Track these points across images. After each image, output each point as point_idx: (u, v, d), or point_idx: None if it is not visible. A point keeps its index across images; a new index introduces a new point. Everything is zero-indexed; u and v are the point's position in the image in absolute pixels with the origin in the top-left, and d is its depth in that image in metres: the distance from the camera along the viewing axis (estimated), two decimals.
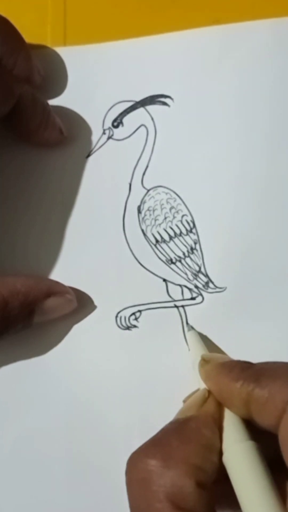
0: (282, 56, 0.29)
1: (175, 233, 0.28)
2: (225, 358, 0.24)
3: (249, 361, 0.25)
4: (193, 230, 0.28)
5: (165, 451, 0.20)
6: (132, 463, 0.20)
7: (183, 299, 0.28)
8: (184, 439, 0.20)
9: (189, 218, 0.28)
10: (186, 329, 0.27)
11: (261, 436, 0.20)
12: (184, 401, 0.25)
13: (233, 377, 0.21)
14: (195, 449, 0.20)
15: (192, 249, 0.28)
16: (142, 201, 0.28)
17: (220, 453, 0.20)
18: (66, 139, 0.28)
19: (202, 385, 0.23)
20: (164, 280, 0.28)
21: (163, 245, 0.28)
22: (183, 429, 0.21)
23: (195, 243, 0.28)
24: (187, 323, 0.27)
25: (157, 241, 0.28)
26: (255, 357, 0.27)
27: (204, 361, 0.24)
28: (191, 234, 0.28)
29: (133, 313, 0.28)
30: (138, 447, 0.21)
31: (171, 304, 0.28)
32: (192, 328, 0.27)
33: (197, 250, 0.28)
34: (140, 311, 0.28)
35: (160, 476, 0.19)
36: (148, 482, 0.19)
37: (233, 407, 0.21)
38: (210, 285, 0.28)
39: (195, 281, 0.28)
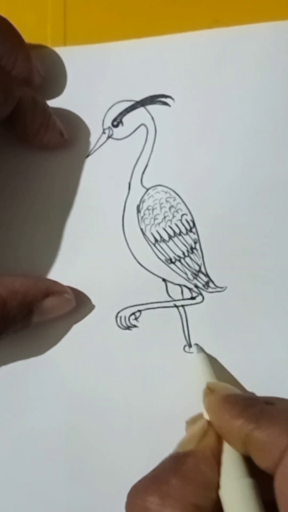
0: (283, 58, 0.29)
1: (174, 232, 0.28)
2: (230, 390, 0.23)
3: (255, 396, 0.25)
4: (193, 230, 0.28)
5: (163, 489, 0.20)
6: (131, 499, 0.20)
7: (183, 299, 0.27)
8: (182, 477, 0.20)
9: (188, 217, 0.28)
10: (195, 349, 0.27)
11: (261, 473, 0.20)
12: (187, 422, 0.25)
13: (234, 414, 0.21)
14: (194, 488, 0.20)
15: (192, 248, 0.28)
16: (142, 200, 0.28)
17: (218, 488, 0.20)
18: (66, 141, 0.28)
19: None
20: (164, 279, 0.28)
21: (163, 244, 0.28)
22: (182, 466, 0.21)
23: (195, 243, 0.28)
24: (196, 344, 0.27)
25: (156, 240, 0.28)
26: (255, 357, 0.27)
27: (209, 390, 0.23)
28: (191, 234, 0.28)
29: (133, 313, 0.27)
30: (138, 480, 0.21)
31: (171, 304, 0.27)
32: (202, 350, 0.27)
33: (197, 250, 0.28)
34: (140, 311, 0.27)
35: None
36: None
37: (232, 444, 0.21)
38: (211, 284, 0.27)
39: (195, 281, 0.28)
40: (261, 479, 0.20)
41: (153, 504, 0.19)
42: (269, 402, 0.22)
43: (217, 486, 0.20)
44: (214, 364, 0.26)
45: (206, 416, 0.23)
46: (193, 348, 0.27)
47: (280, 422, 0.19)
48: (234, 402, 0.21)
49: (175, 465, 0.21)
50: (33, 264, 0.28)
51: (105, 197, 0.29)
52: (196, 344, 0.27)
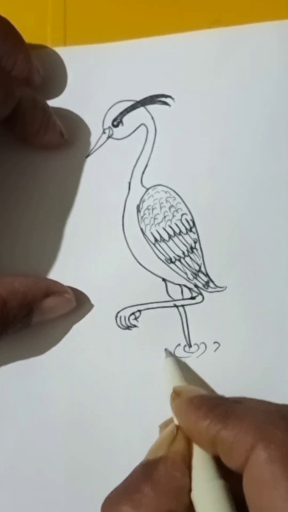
0: (283, 58, 0.29)
1: (174, 232, 0.28)
2: (196, 392, 0.23)
3: (221, 396, 0.24)
4: (193, 229, 0.28)
5: (136, 498, 0.20)
6: (105, 510, 0.20)
7: (183, 299, 0.27)
8: (154, 484, 0.20)
9: (188, 217, 0.28)
10: (164, 354, 0.27)
11: (232, 473, 0.20)
12: (160, 427, 0.25)
13: (200, 415, 0.21)
14: (166, 494, 0.20)
15: (192, 248, 0.28)
16: (141, 200, 0.28)
17: (191, 491, 0.20)
18: (66, 141, 0.28)
19: None
20: (164, 279, 0.28)
21: (163, 244, 0.28)
22: (153, 473, 0.20)
23: (195, 242, 0.28)
24: (165, 349, 0.27)
25: (156, 240, 0.28)
26: (255, 357, 0.27)
27: (176, 394, 0.23)
28: (190, 233, 0.28)
29: (133, 313, 0.27)
30: (111, 491, 0.21)
31: (171, 303, 0.27)
32: (171, 354, 0.27)
33: (197, 249, 0.28)
34: (139, 310, 0.27)
35: None
36: None
37: (202, 445, 0.21)
38: (211, 284, 0.27)
39: (195, 281, 0.28)
40: (232, 480, 0.20)
41: None
42: (237, 402, 0.21)
43: (189, 490, 0.20)
44: (184, 368, 0.26)
45: (176, 421, 0.23)
46: (163, 353, 0.27)
47: (246, 421, 0.19)
48: (200, 403, 0.21)
49: (146, 473, 0.21)
50: (33, 264, 0.28)
51: (105, 197, 0.29)
52: (166, 349, 0.27)
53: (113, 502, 0.20)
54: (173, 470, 0.20)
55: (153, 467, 0.21)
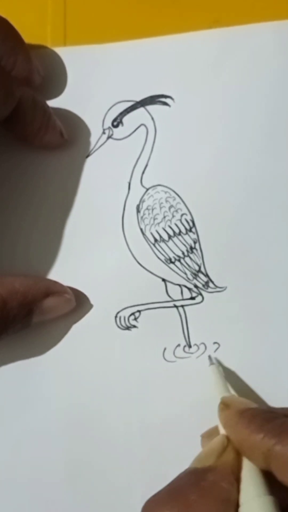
0: (283, 58, 0.29)
1: (174, 232, 0.28)
2: (246, 404, 0.23)
3: (272, 409, 0.24)
4: (193, 229, 0.28)
5: (182, 504, 0.19)
6: None
7: (183, 299, 0.27)
8: (202, 493, 0.19)
9: (188, 217, 0.28)
10: (208, 361, 0.26)
11: (280, 487, 0.20)
12: (202, 436, 0.25)
13: (253, 429, 0.20)
14: (214, 505, 0.19)
15: (191, 248, 0.28)
16: (141, 200, 0.28)
17: (238, 505, 0.20)
18: (66, 141, 0.28)
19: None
20: (164, 279, 0.28)
21: (162, 244, 0.28)
22: (201, 482, 0.20)
23: (194, 242, 0.28)
24: (209, 356, 0.27)
25: (156, 240, 0.28)
26: (255, 357, 0.27)
27: (224, 406, 0.23)
28: (190, 233, 0.28)
29: (133, 313, 0.27)
30: (154, 494, 0.20)
31: (171, 304, 0.27)
32: (216, 361, 0.27)
33: (196, 250, 0.28)
34: (139, 311, 0.27)
35: None
36: None
37: (253, 459, 0.21)
38: (210, 284, 0.27)
39: (194, 281, 0.28)
40: (280, 494, 0.19)
41: None
42: None
43: (237, 504, 0.20)
44: (229, 375, 0.26)
45: (222, 431, 0.23)
46: (208, 360, 0.27)
47: None
48: (252, 417, 0.21)
49: (194, 480, 0.20)
50: (33, 264, 0.28)
51: (105, 197, 0.29)
52: (209, 356, 0.27)
53: (157, 505, 0.20)
54: (222, 481, 0.20)
55: (202, 475, 0.20)
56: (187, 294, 0.28)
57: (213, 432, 0.24)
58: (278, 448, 0.19)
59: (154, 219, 0.28)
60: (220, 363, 0.27)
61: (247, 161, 0.28)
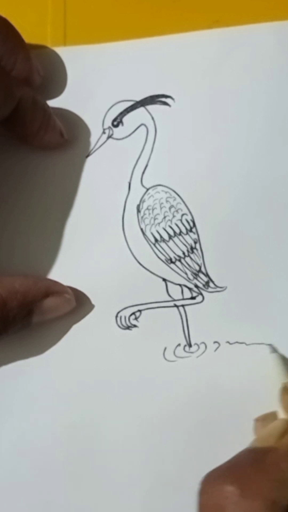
0: (283, 58, 0.29)
1: (174, 232, 0.28)
2: None
3: None
4: (193, 229, 0.28)
5: (242, 480, 0.19)
6: (207, 486, 0.20)
7: (183, 299, 0.27)
8: (262, 471, 0.20)
9: (189, 217, 0.28)
10: (268, 349, 0.27)
11: None
12: (256, 420, 0.25)
13: None
14: (272, 483, 0.19)
15: (192, 248, 0.28)
16: (142, 200, 0.28)
17: None
18: (66, 141, 0.28)
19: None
20: (164, 279, 0.28)
21: (163, 244, 0.28)
22: (261, 460, 0.20)
23: (195, 242, 0.28)
24: (269, 344, 0.27)
25: (156, 240, 0.28)
26: (255, 357, 0.27)
27: (286, 391, 0.23)
28: (191, 233, 0.28)
29: (133, 313, 0.27)
30: (213, 469, 0.21)
31: (171, 303, 0.27)
32: (275, 350, 0.27)
33: (197, 250, 0.28)
34: (140, 310, 0.27)
35: (236, 504, 0.19)
36: (223, 509, 0.19)
37: None
38: (211, 284, 0.27)
39: (195, 281, 0.28)
40: None
41: (232, 494, 0.19)
42: None
43: None
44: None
45: (282, 415, 0.23)
46: (267, 348, 0.27)
47: None
48: None
49: (254, 459, 0.21)
50: (33, 264, 0.28)
51: (105, 197, 0.29)
52: (270, 345, 0.27)
53: (217, 480, 0.20)
54: (281, 461, 0.20)
55: (262, 455, 0.21)
56: (187, 294, 0.28)
57: (268, 416, 0.24)
58: None
59: (155, 219, 0.28)
60: (278, 351, 0.27)
61: (247, 161, 0.28)
